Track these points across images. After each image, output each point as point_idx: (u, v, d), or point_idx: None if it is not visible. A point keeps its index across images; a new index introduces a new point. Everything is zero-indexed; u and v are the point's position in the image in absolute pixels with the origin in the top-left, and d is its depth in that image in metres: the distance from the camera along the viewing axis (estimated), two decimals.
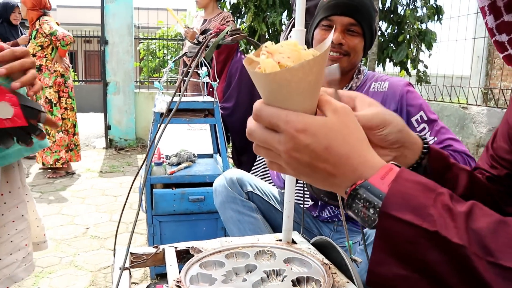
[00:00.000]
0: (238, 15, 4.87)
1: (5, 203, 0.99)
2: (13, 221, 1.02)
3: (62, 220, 3.01)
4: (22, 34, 4.70)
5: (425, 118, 1.42)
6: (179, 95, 0.90)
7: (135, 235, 2.75)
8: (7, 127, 0.78)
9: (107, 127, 5.72)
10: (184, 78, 3.20)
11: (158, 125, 0.88)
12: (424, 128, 1.43)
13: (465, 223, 0.49)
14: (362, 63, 1.59)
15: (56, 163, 4.16)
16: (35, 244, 1.19)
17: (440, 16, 4.40)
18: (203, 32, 3.49)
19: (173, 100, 1.00)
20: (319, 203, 1.65)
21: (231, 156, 3.62)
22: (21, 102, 0.79)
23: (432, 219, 0.49)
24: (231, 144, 3.49)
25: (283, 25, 4.61)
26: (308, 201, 2.26)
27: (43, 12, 4.03)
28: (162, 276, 2.09)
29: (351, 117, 0.55)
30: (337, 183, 0.55)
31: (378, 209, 0.51)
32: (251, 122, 0.56)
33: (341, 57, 1.46)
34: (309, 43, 1.49)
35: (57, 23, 4.13)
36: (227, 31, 0.79)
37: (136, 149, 5.75)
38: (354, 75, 1.54)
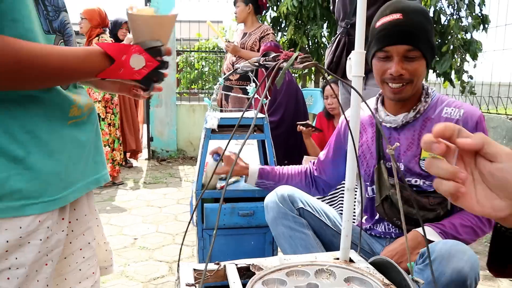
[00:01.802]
0: (278, 28, 4.93)
1: (72, 231, 0.98)
2: (80, 249, 1.01)
3: (111, 230, 3.11)
4: None
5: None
6: (219, 110, 0.93)
7: (183, 246, 2.80)
8: (147, 73, 0.88)
9: (150, 139, 5.87)
10: (232, 94, 3.23)
11: (227, 141, 0.92)
12: None
13: None
14: (427, 84, 1.57)
15: None
16: (103, 268, 1.19)
17: (486, 26, 4.30)
18: (264, 55, 3.55)
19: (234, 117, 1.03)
20: (375, 217, 1.65)
21: None
22: (144, 47, 0.87)
23: None
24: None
25: (323, 38, 4.64)
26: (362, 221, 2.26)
27: (103, 30, 4.21)
28: None
29: None
30: None
31: None
32: None
33: (404, 87, 1.43)
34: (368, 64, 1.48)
35: (112, 41, 4.30)
36: (296, 57, 0.81)
37: (177, 160, 5.87)
38: (422, 98, 1.50)
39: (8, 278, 0.81)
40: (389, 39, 1.40)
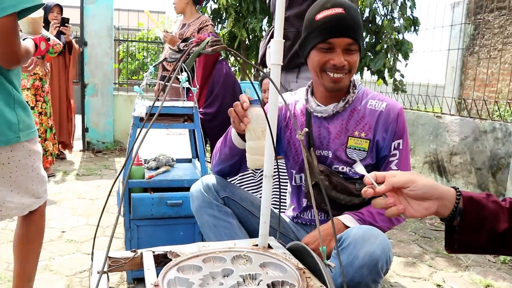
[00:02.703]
0: (218, 20, 4.90)
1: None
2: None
3: None
4: (60, 34, 4.61)
5: (401, 147, 1.53)
6: (162, 100, 0.92)
7: (113, 239, 2.73)
8: (45, 52, 1.68)
9: (85, 130, 5.65)
10: (167, 83, 3.20)
11: (139, 129, 0.90)
12: (395, 154, 1.54)
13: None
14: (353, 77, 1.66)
15: None
16: None
17: (417, 27, 4.51)
18: (184, 40, 3.49)
19: (155, 105, 1.01)
20: (303, 205, 1.69)
21: (210, 161, 3.64)
22: (45, 37, 1.67)
23: None
24: (209, 149, 3.51)
25: (264, 32, 4.66)
26: (285, 208, 2.30)
27: None
28: (139, 281, 2.09)
29: None
30: None
31: None
32: None
33: (344, 77, 1.49)
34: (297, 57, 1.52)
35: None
36: (208, 41, 0.81)
37: (114, 152, 5.70)
38: (350, 90, 1.58)
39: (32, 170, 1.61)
40: (334, 32, 1.45)
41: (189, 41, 1.08)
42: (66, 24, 4.49)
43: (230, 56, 4.84)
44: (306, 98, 1.64)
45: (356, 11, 1.49)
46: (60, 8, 4.65)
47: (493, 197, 0.97)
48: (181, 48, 1.34)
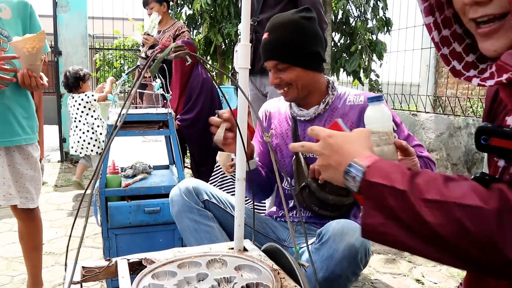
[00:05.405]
0: (194, 26, 4.90)
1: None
2: None
3: (14, 237, 2.91)
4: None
5: (395, 128, 1.54)
6: (134, 107, 0.92)
7: (92, 249, 2.70)
8: None
9: (62, 140, 5.57)
10: (141, 91, 3.17)
11: (106, 137, 0.90)
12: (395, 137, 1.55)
13: (411, 177, 0.70)
14: (332, 78, 1.73)
15: None
16: None
17: (389, 28, 4.59)
18: (151, 47, 3.47)
19: (123, 113, 1.01)
20: (289, 205, 1.71)
21: (189, 167, 3.63)
22: None
23: (392, 179, 0.70)
24: (189, 155, 3.50)
25: (239, 36, 4.68)
26: (265, 209, 2.31)
27: None
28: None
29: (363, 134, 0.89)
30: (341, 169, 0.81)
31: (361, 178, 0.75)
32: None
33: (287, 91, 1.60)
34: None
35: None
36: (171, 48, 0.82)
37: None
38: (329, 91, 1.63)
39: None
40: (263, 57, 1.60)
41: (156, 48, 1.09)
42: None
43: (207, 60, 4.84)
44: (289, 104, 1.70)
45: (288, 29, 1.53)
46: None
47: None
48: (149, 55, 1.34)
